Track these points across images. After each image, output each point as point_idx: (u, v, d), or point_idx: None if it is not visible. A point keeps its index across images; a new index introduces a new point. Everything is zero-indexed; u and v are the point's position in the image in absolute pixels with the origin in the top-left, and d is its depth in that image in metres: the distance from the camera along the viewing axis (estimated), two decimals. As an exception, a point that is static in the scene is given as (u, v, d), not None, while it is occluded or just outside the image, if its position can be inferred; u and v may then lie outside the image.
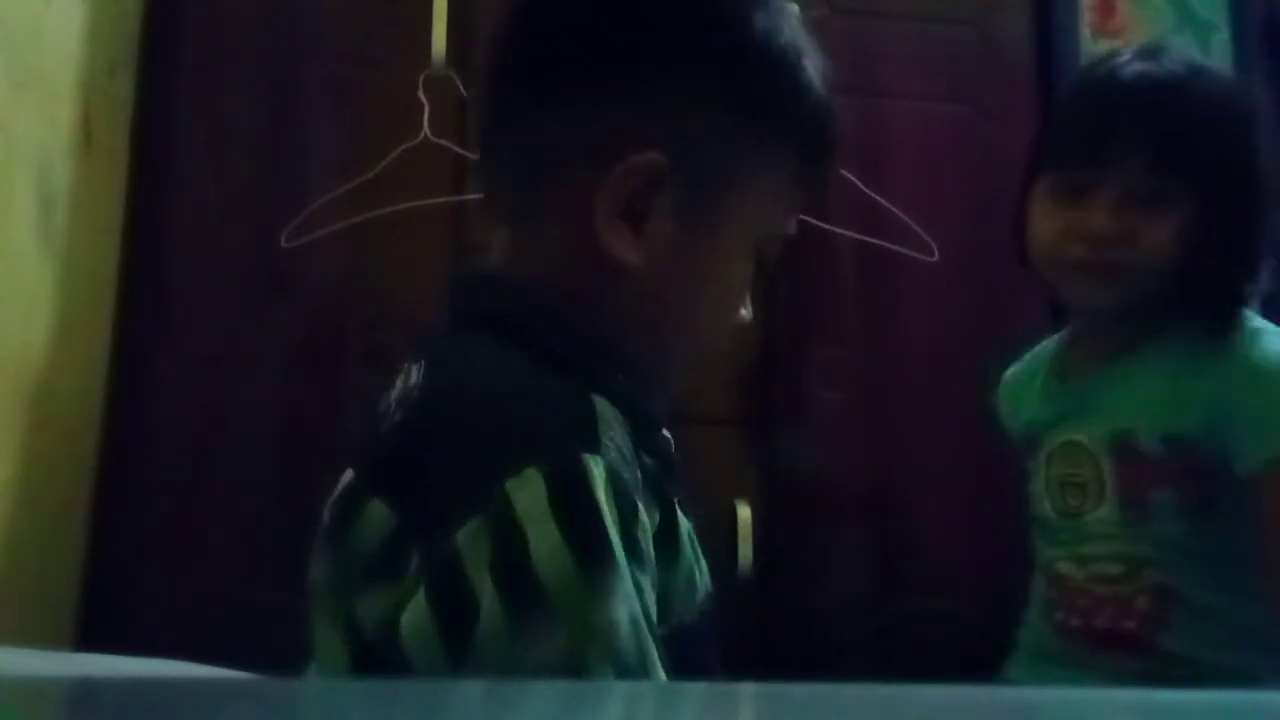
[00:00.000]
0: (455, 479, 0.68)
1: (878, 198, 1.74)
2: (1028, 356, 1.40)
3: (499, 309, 0.80)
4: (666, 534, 0.74)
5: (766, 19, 0.81)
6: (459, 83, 1.66)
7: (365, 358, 1.62)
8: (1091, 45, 2.06)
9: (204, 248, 1.66)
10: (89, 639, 1.48)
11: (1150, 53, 1.25)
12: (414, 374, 0.78)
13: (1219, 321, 1.20)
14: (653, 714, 0.49)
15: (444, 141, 1.64)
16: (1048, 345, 1.38)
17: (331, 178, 1.64)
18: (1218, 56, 2.11)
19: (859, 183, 1.76)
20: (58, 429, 1.48)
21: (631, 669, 0.64)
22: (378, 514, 0.71)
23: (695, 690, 0.56)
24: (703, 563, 0.80)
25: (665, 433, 0.84)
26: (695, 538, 0.80)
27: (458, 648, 0.64)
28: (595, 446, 0.69)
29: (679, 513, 0.77)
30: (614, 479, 0.68)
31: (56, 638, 1.46)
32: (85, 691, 0.51)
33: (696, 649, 0.76)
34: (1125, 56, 1.24)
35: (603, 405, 0.72)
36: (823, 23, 1.86)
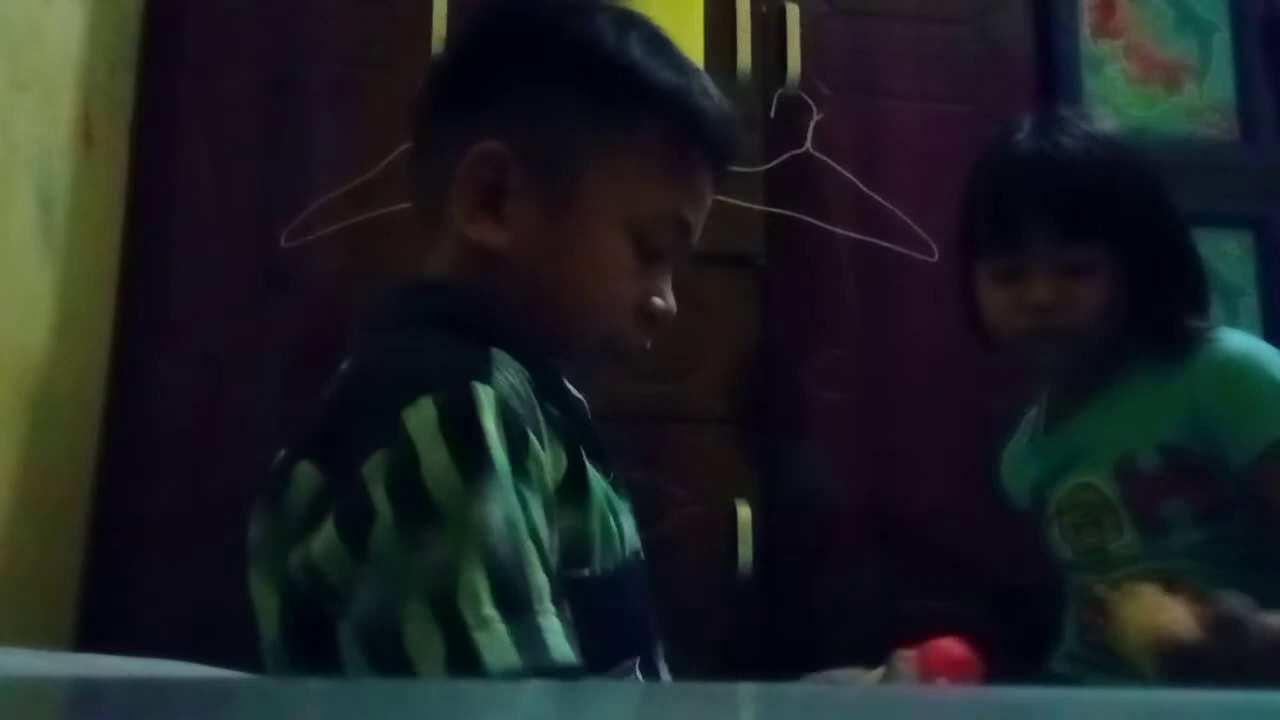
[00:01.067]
0: (362, 422, 0.75)
1: (878, 198, 1.74)
2: (1017, 433, 1.48)
3: (417, 306, 0.89)
4: (574, 479, 0.80)
5: (604, 22, 0.91)
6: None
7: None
8: (1091, 45, 2.06)
9: (204, 248, 1.66)
10: (89, 639, 1.48)
11: (1043, 128, 1.32)
12: (343, 365, 0.87)
13: (1174, 350, 1.27)
14: (653, 714, 0.49)
15: (444, 141, 1.64)
16: (1029, 416, 1.46)
17: (331, 178, 1.64)
18: (1218, 56, 2.11)
19: (859, 183, 1.76)
20: (58, 429, 1.48)
21: (505, 566, 0.70)
22: (306, 474, 0.76)
23: (695, 690, 0.56)
24: (628, 523, 0.87)
25: (580, 396, 0.91)
26: (616, 498, 0.87)
27: (358, 556, 0.71)
28: (486, 378, 0.76)
29: (588, 466, 0.83)
30: (503, 407, 0.75)
31: (56, 638, 1.46)
32: (85, 691, 0.51)
33: (623, 600, 0.83)
34: (1021, 134, 1.32)
35: (500, 354, 0.79)
36: (823, 22, 1.86)
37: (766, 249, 1.73)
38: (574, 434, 0.84)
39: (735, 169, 0.98)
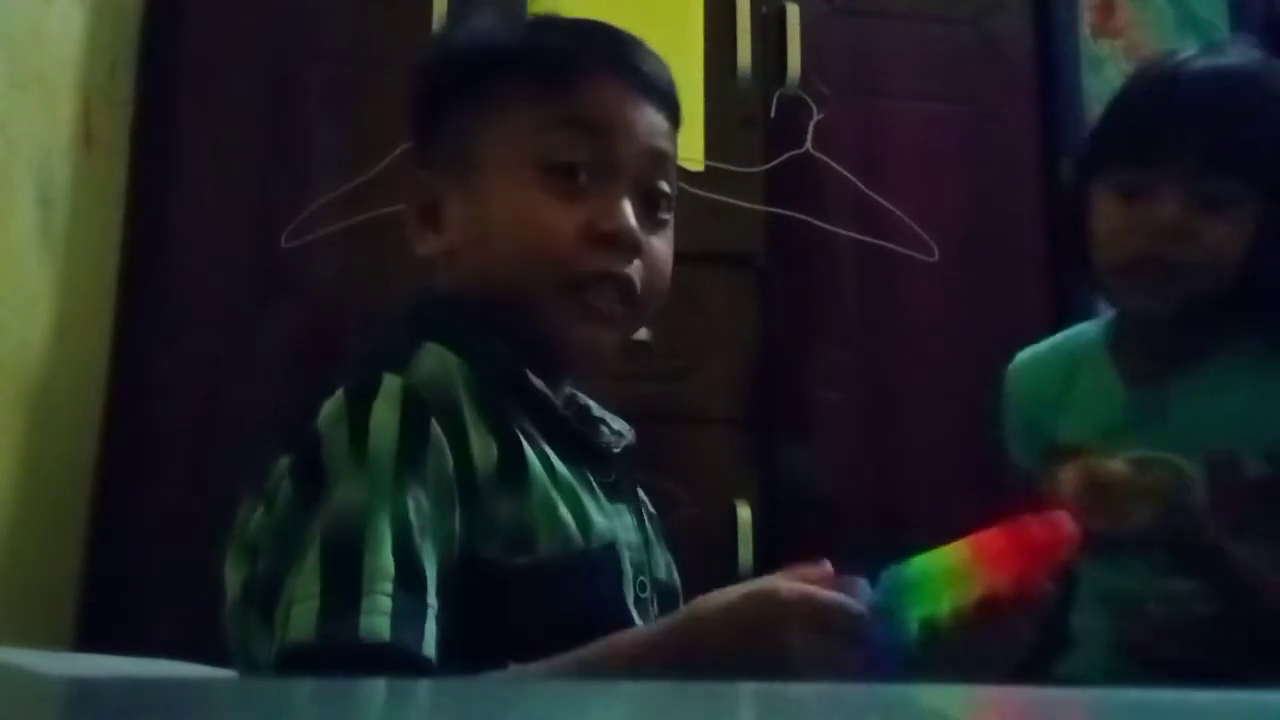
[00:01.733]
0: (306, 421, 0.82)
1: (878, 198, 1.74)
2: (1051, 346, 1.32)
3: (407, 312, 0.95)
4: (509, 468, 0.82)
5: (475, 28, 1.01)
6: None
7: (365, 358, 1.62)
8: (1091, 45, 2.06)
9: (204, 248, 1.66)
10: (89, 639, 1.48)
11: (1215, 49, 1.21)
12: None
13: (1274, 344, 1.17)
14: (653, 714, 0.49)
15: (444, 141, 1.64)
16: (1082, 337, 1.30)
17: (331, 178, 1.64)
18: (1218, 56, 2.11)
19: (859, 183, 1.76)
20: (58, 429, 1.48)
21: (341, 546, 0.75)
22: (281, 465, 0.82)
23: (695, 690, 0.56)
24: (606, 517, 0.87)
25: (546, 392, 0.91)
26: (593, 493, 0.88)
27: (272, 532, 0.80)
28: (397, 368, 0.81)
29: (530, 456, 0.84)
30: (407, 394, 0.80)
31: (56, 638, 1.46)
32: (85, 691, 0.51)
33: (577, 588, 0.83)
34: (1190, 53, 1.20)
35: (432, 347, 0.85)
36: (823, 23, 1.86)
37: (766, 249, 1.73)
38: (516, 423, 0.85)
39: (640, 72, 0.95)
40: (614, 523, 0.88)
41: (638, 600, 0.88)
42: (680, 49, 1.76)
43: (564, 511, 0.83)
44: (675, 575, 0.98)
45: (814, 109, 1.78)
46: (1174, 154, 1.13)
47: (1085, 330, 1.31)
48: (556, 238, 0.89)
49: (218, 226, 1.66)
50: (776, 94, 1.77)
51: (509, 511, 0.81)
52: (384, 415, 0.79)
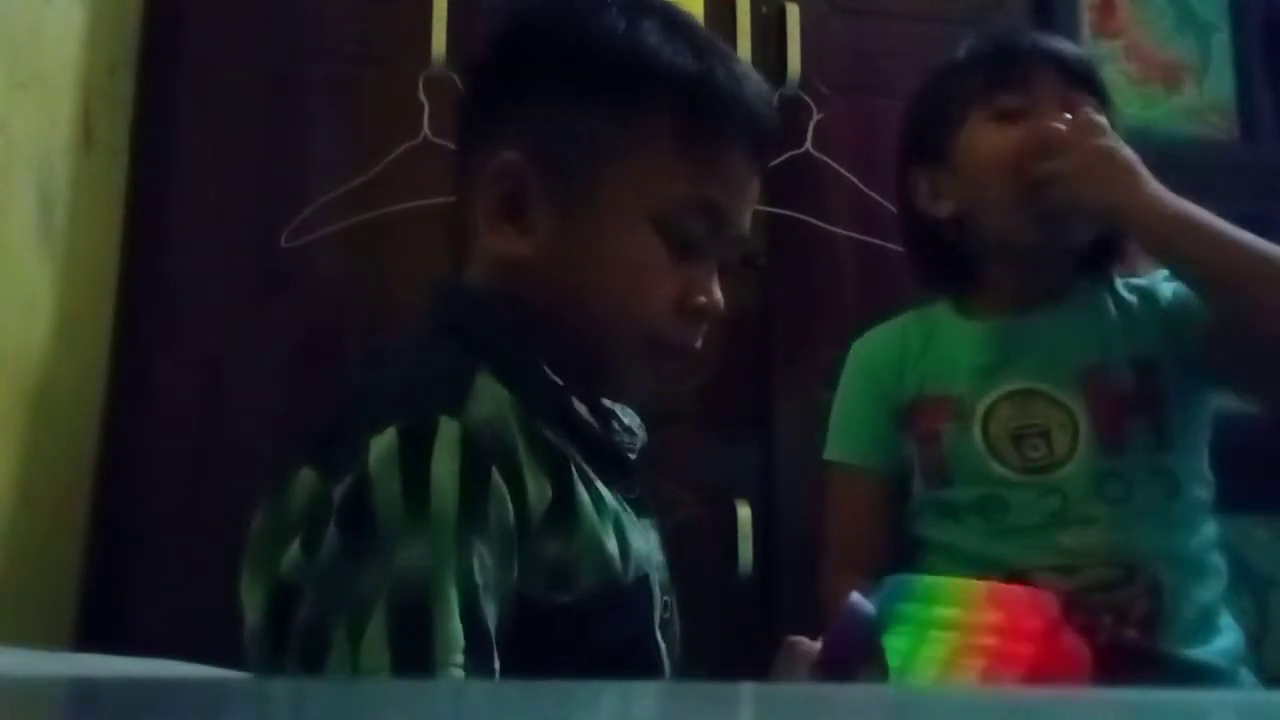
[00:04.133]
0: (342, 442, 0.77)
1: (878, 197, 1.73)
2: (901, 319, 1.35)
3: (441, 313, 0.91)
4: (561, 508, 0.79)
5: (613, 16, 0.90)
6: (459, 83, 1.66)
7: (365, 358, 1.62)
8: (1091, 45, 2.06)
9: (204, 248, 1.66)
10: (89, 639, 1.48)
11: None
12: (359, 366, 0.92)
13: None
14: (653, 714, 0.49)
15: (444, 141, 1.63)
16: (930, 307, 1.34)
17: (331, 178, 1.64)
18: (1218, 56, 2.11)
19: (859, 183, 1.76)
20: (58, 429, 1.47)
21: (410, 613, 0.71)
22: (306, 479, 0.79)
23: (695, 690, 0.56)
24: (642, 541, 0.86)
25: (625, 418, 0.92)
26: (631, 517, 0.86)
27: (311, 573, 0.74)
28: (455, 410, 0.77)
29: (580, 492, 0.81)
30: (466, 442, 0.75)
31: (56, 638, 1.46)
32: (85, 691, 0.51)
33: (610, 626, 0.81)
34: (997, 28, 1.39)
35: (485, 380, 0.80)
36: (823, 22, 1.86)
37: (766, 249, 1.73)
38: (569, 458, 0.83)
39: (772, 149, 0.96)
40: (647, 545, 0.88)
41: (663, 622, 0.87)
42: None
43: (609, 545, 0.82)
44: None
45: (814, 109, 1.78)
46: (1041, 71, 1.23)
47: (929, 305, 1.35)
48: (657, 306, 0.88)
49: (218, 226, 1.66)
50: (776, 94, 1.77)
51: (556, 550, 0.79)
52: (445, 466, 0.74)
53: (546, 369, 0.86)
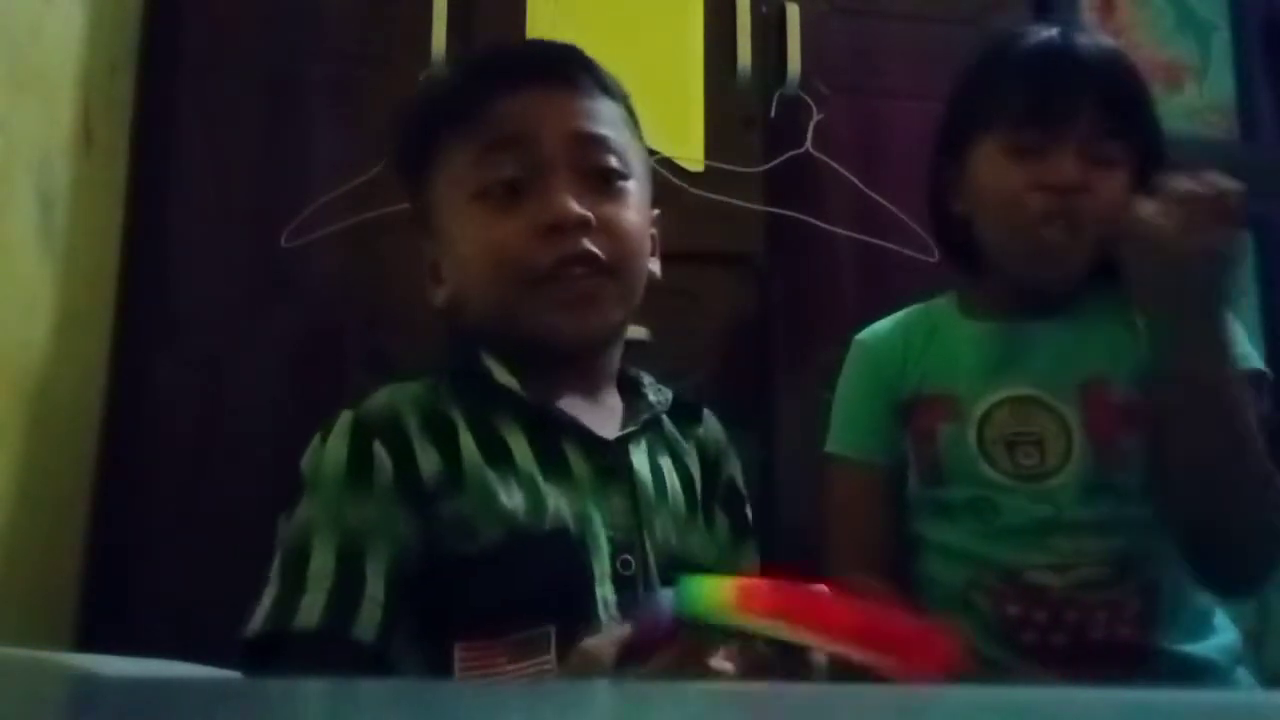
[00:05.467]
0: None
1: (878, 198, 1.74)
2: (903, 315, 1.34)
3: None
4: (449, 472, 0.93)
5: (440, 82, 1.16)
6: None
7: (365, 358, 1.62)
8: (1091, 45, 2.06)
9: (204, 248, 1.66)
10: (89, 639, 1.48)
11: (1072, 24, 1.29)
12: None
13: None
14: (653, 714, 0.49)
15: (444, 141, 1.64)
16: (933, 306, 1.33)
17: (331, 178, 1.64)
18: (1218, 56, 2.12)
19: (859, 183, 1.76)
20: (58, 429, 1.47)
21: (290, 553, 0.90)
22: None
23: (695, 690, 0.56)
24: (554, 502, 0.94)
25: (512, 387, 1.00)
26: (540, 479, 0.95)
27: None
28: (354, 405, 0.96)
29: (473, 457, 0.94)
30: (355, 426, 0.94)
31: (56, 638, 1.46)
32: (85, 691, 0.51)
33: (524, 571, 0.91)
34: (1051, 29, 1.25)
35: (396, 389, 0.98)
36: (823, 22, 1.86)
37: (766, 249, 1.73)
38: (460, 433, 0.96)
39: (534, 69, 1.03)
40: (586, 507, 0.95)
41: (620, 577, 0.94)
42: (680, 49, 1.76)
43: (507, 501, 0.93)
44: (715, 535, 1.06)
45: (814, 109, 1.78)
46: (1071, 114, 1.19)
47: (933, 301, 1.34)
48: (507, 246, 0.97)
49: (218, 226, 1.66)
50: (776, 94, 1.77)
51: (451, 509, 0.92)
52: (335, 444, 0.94)
53: (494, 370, 0.99)
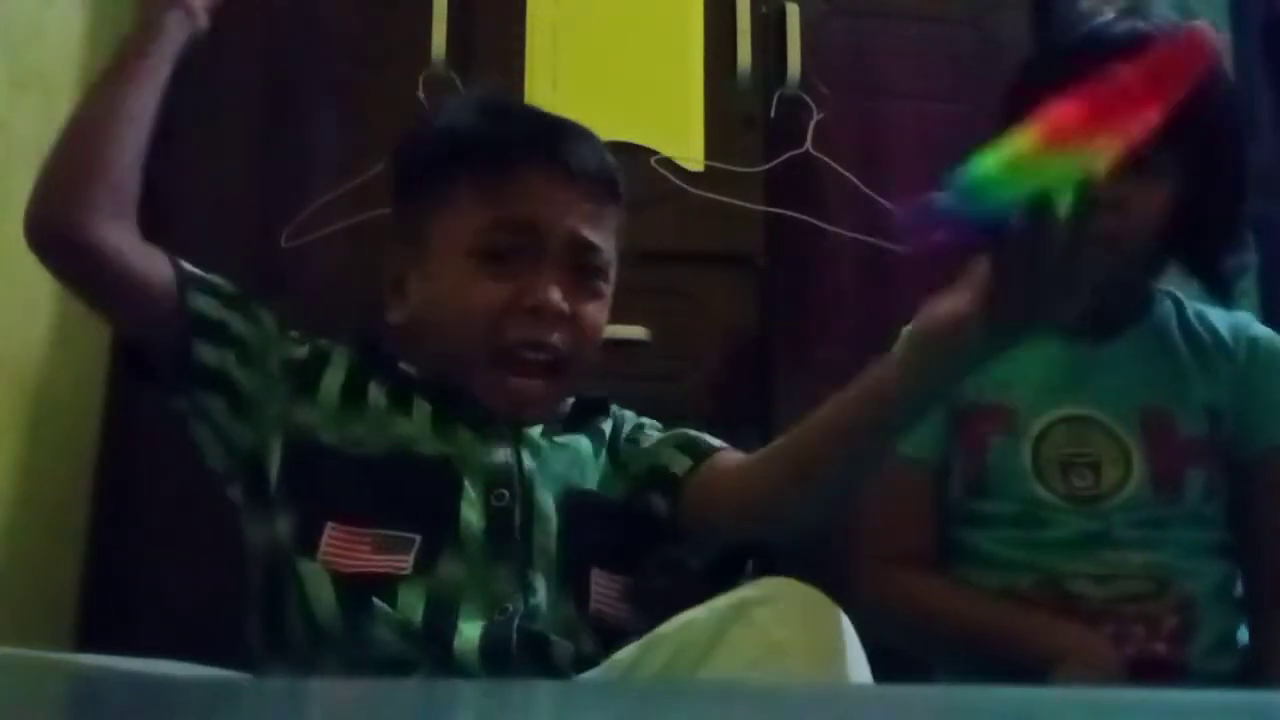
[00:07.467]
0: None
1: (878, 198, 1.74)
2: None
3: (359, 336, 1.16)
4: (345, 396, 1.06)
5: (445, 113, 1.19)
6: (459, 83, 1.66)
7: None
8: (1091, 45, 2.06)
9: (203, 248, 1.65)
10: (89, 639, 1.48)
11: (1137, 10, 1.22)
12: None
13: (1214, 295, 1.20)
14: (653, 713, 0.49)
15: (444, 141, 1.64)
16: None
17: (331, 178, 1.64)
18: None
19: (859, 183, 1.76)
20: (58, 429, 1.47)
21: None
22: None
23: (695, 690, 0.56)
24: (399, 429, 1.04)
25: (407, 371, 1.09)
26: (387, 416, 1.05)
27: None
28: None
29: (331, 383, 1.07)
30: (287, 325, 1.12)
31: (56, 638, 1.46)
32: (85, 691, 0.51)
33: (379, 477, 1.01)
34: (1112, 17, 1.20)
35: (339, 349, 1.11)
36: (823, 22, 1.86)
37: (766, 249, 1.73)
38: (330, 369, 1.08)
39: (577, 170, 1.07)
40: (450, 446, 1.03)
41: (493, 508, 1.01)
42: (680, 49, 1.76)
43: (393, 425, 1.04)
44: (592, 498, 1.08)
45: (814, 109, 1.78)
46: None
47: None
48: (486, 312, 1.04)
49: (217, 226, 1.66)
50: (776, 94, 1.77)
51: (306, 413, 1.05)
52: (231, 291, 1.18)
53: (401, 365, 1.09)
